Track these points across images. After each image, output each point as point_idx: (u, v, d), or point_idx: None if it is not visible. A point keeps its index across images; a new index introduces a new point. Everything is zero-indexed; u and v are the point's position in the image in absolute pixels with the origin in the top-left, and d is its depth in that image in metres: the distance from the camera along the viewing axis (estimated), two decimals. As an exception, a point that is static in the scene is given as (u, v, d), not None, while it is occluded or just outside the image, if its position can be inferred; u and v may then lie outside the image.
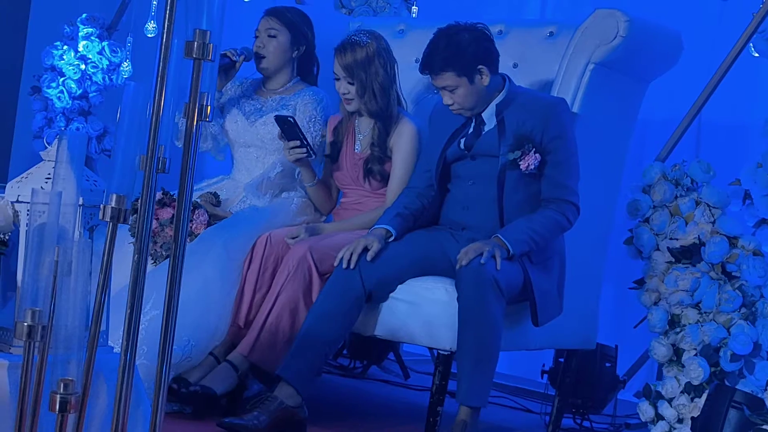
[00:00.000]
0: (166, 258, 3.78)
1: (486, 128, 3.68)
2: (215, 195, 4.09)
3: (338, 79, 3.97)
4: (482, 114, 3.68)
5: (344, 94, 3.96)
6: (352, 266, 3.58)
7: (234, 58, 4.09)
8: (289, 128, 3.90)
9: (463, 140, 3.71)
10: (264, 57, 4.15)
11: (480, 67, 3.59)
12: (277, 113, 4.01)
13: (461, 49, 3.58)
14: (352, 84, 3.94)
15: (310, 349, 3.56)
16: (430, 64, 3.62)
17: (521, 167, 3.56)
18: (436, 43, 3.62)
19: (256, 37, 4.18)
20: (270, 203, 4.07)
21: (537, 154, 3.55)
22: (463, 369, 3.46)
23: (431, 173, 3.76)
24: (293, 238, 3.82)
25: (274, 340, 3.67)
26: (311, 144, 3.95)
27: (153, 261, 3.80)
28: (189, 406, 3.61)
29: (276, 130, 4.04)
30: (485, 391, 3.49)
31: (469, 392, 3.46)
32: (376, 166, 3.98)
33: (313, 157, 3.99)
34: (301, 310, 3.70)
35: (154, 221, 3.82)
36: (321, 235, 3.87)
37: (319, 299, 3.62)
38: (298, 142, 3.91)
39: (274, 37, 4.14)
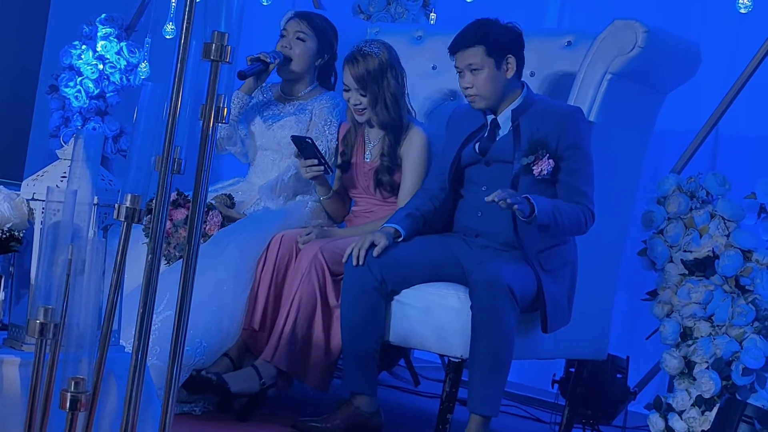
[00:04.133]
0: (179, 259, 3.79)
1: (501, 133, 3.68)
2: (230, 197, 4.09)
3: (348, 90, 3.94)
4: (498, 118, 3.67)
5: (355, 105, 3.94)
6: (361, 262, 3.58)
7: (268, 61, 4.06)
8: (306, 148, 3.90)
9: (477, 144, 3.71)
10: (291, 59, 4.13)
11: (508, 56, 3.60)
12: (293, 133, 4.00)
13: (494, 31, 3.62)
14: (363, 96, 3.91)
15: (357, 358, 3.62)
16: (461, 40, 3.63)
17: (534, 172, 3.55)
18: (468, 26, 3.65)
19: (283, 36, 4.15)
20: (284, 206, 4.08)
21: (551, 160, 3.54)
22: (475, 378, 3.45)
23: (444, 175, 3.75)
24: (304, 239, 3.83)
25: (294, 342, 3.68)
26: (328, 161, 3.95)
27: (166, 262, 3.80)
28: (200, 397, 3.61)
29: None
30: (497, 401, 3.48)
31: (480, 401, 3.45)
32: (386, 177, 3.97)
33: (330, 173, 3.99)
34: (318, 312, 3.71)
35: (168, 222, 3.82)
36: (331, 237, 3.87)
37: (342, 309, 3.65)
38: (315, 161, 3.91)
39: (302, 40, 4.12)
